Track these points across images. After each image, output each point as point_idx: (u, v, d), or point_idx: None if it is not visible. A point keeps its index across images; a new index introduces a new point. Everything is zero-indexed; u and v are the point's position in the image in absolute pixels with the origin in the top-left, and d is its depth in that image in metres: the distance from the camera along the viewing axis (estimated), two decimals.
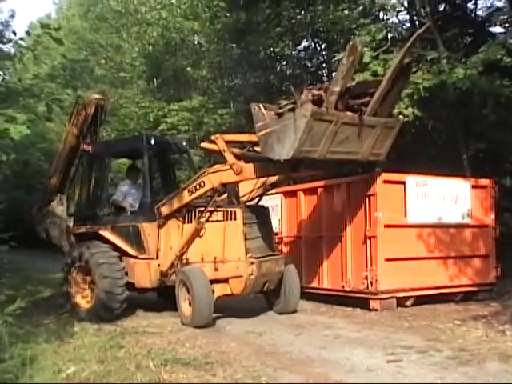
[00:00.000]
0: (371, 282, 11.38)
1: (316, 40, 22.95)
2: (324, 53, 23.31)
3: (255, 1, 19.45)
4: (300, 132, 9.04)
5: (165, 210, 11.24)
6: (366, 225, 11.66)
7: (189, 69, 27.04)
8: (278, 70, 25.07)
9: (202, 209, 10.96)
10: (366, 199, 11.66)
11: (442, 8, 17.27)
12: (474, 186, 12.82)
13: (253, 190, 11.71)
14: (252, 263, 10.42)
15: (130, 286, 11.26)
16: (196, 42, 28.55)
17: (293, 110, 9.18)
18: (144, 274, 11.36)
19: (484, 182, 13.07)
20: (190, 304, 10.35)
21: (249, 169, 10.42)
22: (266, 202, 14.12)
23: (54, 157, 13.71)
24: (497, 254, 12.98)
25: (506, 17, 16.84)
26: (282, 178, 11.71)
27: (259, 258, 10.67)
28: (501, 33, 16.75)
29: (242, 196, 11.90)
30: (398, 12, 17.16)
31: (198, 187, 10.80)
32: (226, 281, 10.67)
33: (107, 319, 10.58)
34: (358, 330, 9.72)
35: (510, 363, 7.15)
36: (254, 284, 10.62)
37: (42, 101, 12.58)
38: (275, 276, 11.23)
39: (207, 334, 9.56)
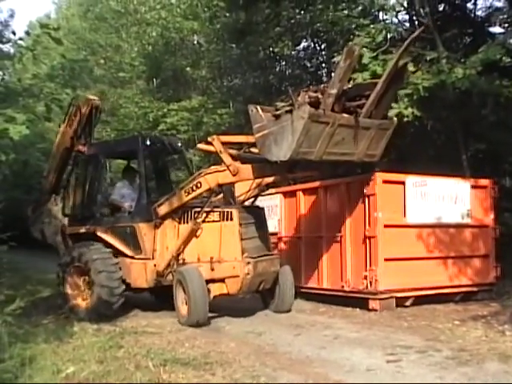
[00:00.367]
0: (371, 282, 11.37)
1: (315, 40, 22.96)
2: (323, 53, 23.33)
3: (255, 1, 19.43)
4: (297, 133, 9.15)
5: (161, 211, 11.30)
6: (365, 225, 11.66)
7: (188, 69, 27.08)
8: (277, 70, 25.11)
9: (199, 209, 11.02)
10: (366, 199, 11.66)
11: (441, 8, 17.28)
12: (473, 186, 12.81)
13: (249, 190, 11.75)
14: (248, 263, 10.53)
15: (126, 286, 11.31)
16: (195, 42, 28.58)
17: (290, 111, 9.28)
18: (140, 274, 11.41)
19: (484, 182, 13.06)
20: (186, 303, 10.42)
21: (245, 170, 10.54)
22: (265, 201, 14.14)
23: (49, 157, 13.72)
24: (496, 254, 12.98)
25: (505, 17, 16.85)
26: (278, 179, 11.75)
27: (255, 257, 10.76)
28: (500, 33, 16.78)
29: (239, 196, 11.98)
30: (398, 12, 17.16)
31: (194, 188, 10.88)
32: (222, 280, 10.76)
33: (106, 316, 10.63)
34: (358, 330, 9.71)
35: (510, 363, 7.14)
36: (250, 284, 10.72)
37: (42, 101, 12.59)
38: (271, 276, 11.32)
39: (206, 333, 9.56)
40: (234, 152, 10.81)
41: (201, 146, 12.15)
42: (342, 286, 12.07)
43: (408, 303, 11.75)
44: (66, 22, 39.29)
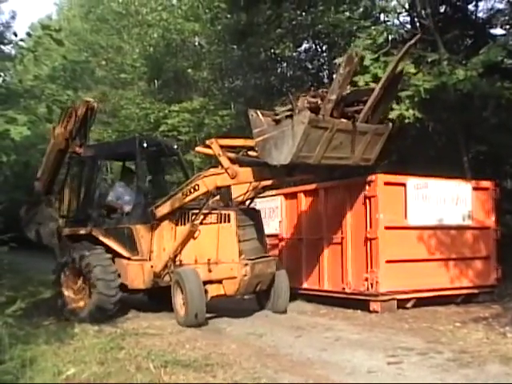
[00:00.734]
0: (372, 284, 11.36)
1: (317, 42, 22.97)
2: (325, 54, 23.35)
3: (256, 2, 19.43)
4: (298, 138, 9.31)
5: (159, 212, 11.39)
6: (366, 226, 11.65)
7: (189, 70, 27.08)
8: (278, 71, 25.11)
9: (197, 211, 11.12)
10: (367, 201, 11.66)
11: (442, 10, 17.28)
12: (475, 188, 12.80)
13: (246, 192, 11.84)
14: (246, 264, 10.65)
15: (122, 287, 11.36)
16: (197, 44, 28.59)
17: (290, 116, 9.46)
18: (137, 276, 11.47)
19: (485, 183, 13.05)
20: (184, 304, 10.50)
21: (244, 173, 10.65)
22: (266, 203, 14.16)
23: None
24: (498, 255, 12.96)
25: (506, 18, 16.85)
26: (275, 182, 11.96)
27: (253, 259, 10.88)
28: (501, 35, 16.77)
29: (236, 197, 12.03)
30: (399, 14, 17.16)
31: (192, 190, 10.99)
32: (219, 282, 10.86)
33: (104, 318, 10.67)
34: (359, 331, 9.71)
35: (511, 365, 7.13)
36: (247, 285, 10.84)
37: (43, 102, 12.61)
38: (267, 277, 11.44)
39: (207, 335, 9.56)
40: (232, 155, 10.92)
41: (199, 149, 12.34)
42: (343, 288, 12.06)
43: (409, 305, 11.74)
44: (67, 24, 39.26)
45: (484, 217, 12.91)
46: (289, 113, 9.55)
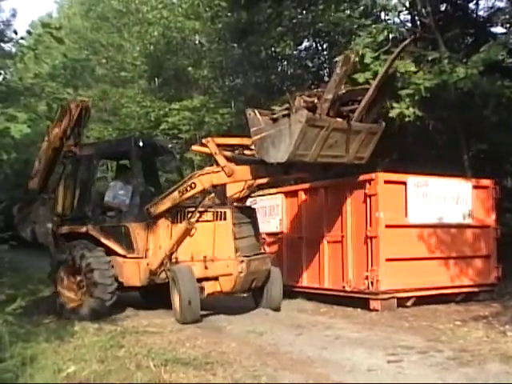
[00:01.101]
0: (372, 283, 11.37)
1: (317, 40, 23.00)
2: (325, 53, 23.38)
3: (256, 0, 19.40)
4: (295, 137, 9.53)
5: (155, 211, 11.42)
6: (366, 225, 11.65)
7: (190, 68, 27.08)
8: (279, 69, 25.14)
9: (193, 209, 11.23)
10: (367, 199, 11.66)
11: (443, 8, 17.29)
12: (475, 187, 12.80)
13: (242, 190, 12.02)
14: (242, 261, 10.85)
15: (118, 285, 11.40)
16: (197, 42, 28.59)
17: (288, 115, 9.69)
18: (133, 273, 11.51)
19: (485, 182, 13.05)
20: None
21: (240, 171, 10.81)
22: (267, 201, 14.18)
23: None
24: (498, 254, 12.97)
25: (507, 17, 16.84)
26: (271, 180, 12.19)
27: (248, 256, 11.05)
28: (502, 33, 16.75)
29: (232, 195, 12.21)
30: (400, 12, 17.16)
31: (188, 188, 11.07)
32: (215, 279, 11.02)
33: (100, 314, 10.76)
34: (359, 330, 9.71)
35: (511, 364, 7.12)
36: (243, 282, 11.01)
37: (43, 100, 12.61)
38: (262, 274, 11.58)
39: (208, 333, 9.55)
40: (228, 154, 11.07)
41: (196, 147, 12.61)
42: (344, 286, 12.06)
43: (409, 303, 11.74)
44: (67, 22, 39.25)
45: (484, 215, 12.91)
46: (286, 112, 9.77)
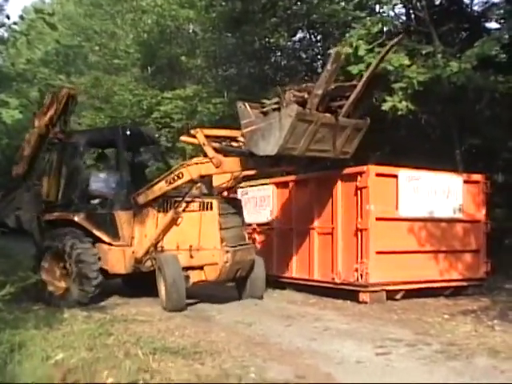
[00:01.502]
0: (361, 275, 11.39)
1: (311, 31, 22.95)
2: (319, 44, 23.33)
3: None
4: (285, 130, 9.75)
5: (141, 199, 11.55)
6: (357, 217, 11.66)
7: (183, 57, 26.95)
8: (272, 60, 25.06)
9: (179, 199, 11.33)
10: (358, 192, 11.67)
11: (438, 2, 17.30)
12: (466, 181, 12.83)
13: (229, 181, 12.10)
14: (227, 251, 11.00)
15: (103, 272, 11.53)
16: (191, 31, 28.49)
17: (278, 109, 9.93)
18: (118, 261, 11.63)
19: (476, 177, 13.08)
20: None
21: (228, 162, 10.99)
22: (257, 192, 14.17)
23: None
24: (487, 249, 13.03)
25: (501, 12, 16.85)
26: (258, 172, 12.37)
27: (233, 246, 11.19)
28: (496, 28, 16.78)
29: (218, 186, 12.27)
30: (394, 5, 17.13)
31: (176, 178, 11.21)
32: (201, 268, 11.15)
33: (82, 304, 10.84)
34: (348, 322, 9.73)
35: (499, 358, 7.16)
36: (228, 271, 11.16)
37: (35, 86, 12.56)
38: (247, 264, 11.75)
39: (197, 323, 9.56)
40: (216, 145, 11.18)
41: (184, 138, 12.75)
42: (333, 278, 12.07)
43: (398, 296, 11.77)
44: (60, 8, 39.03)
45: (474, 210, 12.95)
46: (276, 106, 10.01)
